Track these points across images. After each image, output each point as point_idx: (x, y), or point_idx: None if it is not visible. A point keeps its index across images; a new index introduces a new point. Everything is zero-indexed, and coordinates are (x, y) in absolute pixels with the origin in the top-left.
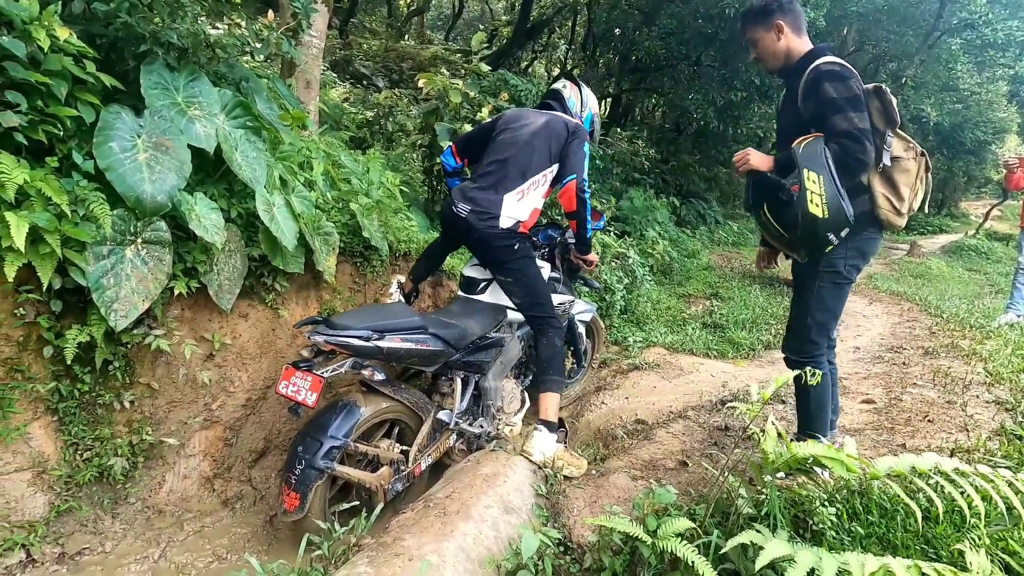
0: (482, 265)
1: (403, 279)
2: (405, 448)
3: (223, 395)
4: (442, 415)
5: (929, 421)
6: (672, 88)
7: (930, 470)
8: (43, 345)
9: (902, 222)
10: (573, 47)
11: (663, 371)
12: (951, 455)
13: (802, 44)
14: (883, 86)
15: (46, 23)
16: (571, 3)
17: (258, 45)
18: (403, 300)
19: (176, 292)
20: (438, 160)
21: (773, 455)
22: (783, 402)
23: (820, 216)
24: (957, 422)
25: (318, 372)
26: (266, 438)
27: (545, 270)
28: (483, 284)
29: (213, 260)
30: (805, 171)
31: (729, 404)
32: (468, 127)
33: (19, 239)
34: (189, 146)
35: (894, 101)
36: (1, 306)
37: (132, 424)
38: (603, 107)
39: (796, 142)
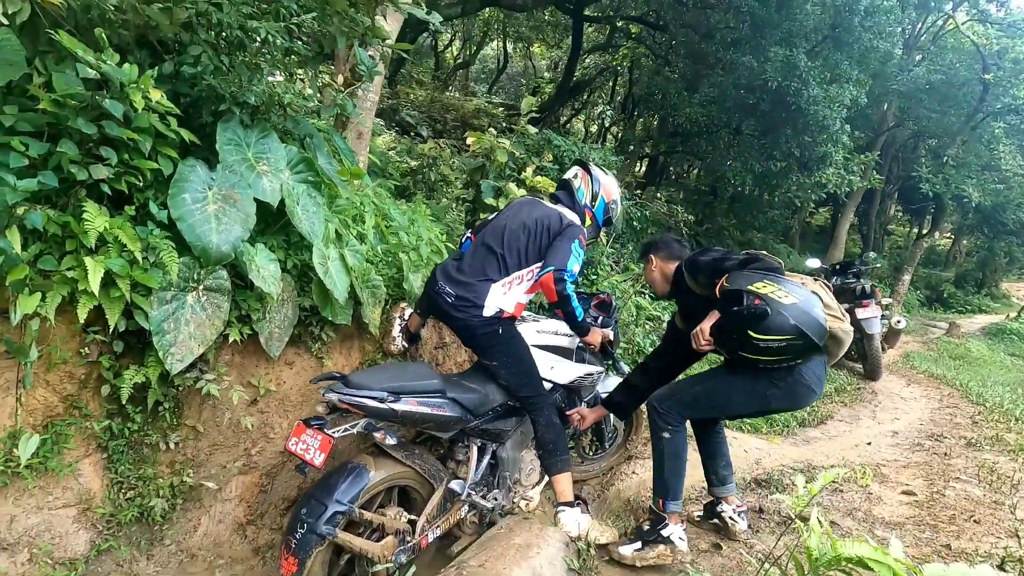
0: (466, 347)
1: (409, 313)
2: (413, 518)
3: (263, 441)
4: (454, 485)
5: (975, 522)
6: (710, 153)
7: None
8: (101, 384)
9: (847, 326)
10: (612, 107)
11: (692, 441)
12: (1001, 565)
13: (672, 266)
14: (750, 252)
15: (143, 86)
16: (613, 65)
17: (319, 102)
18: (406, 343)
19: (231, 339)
20: (480, 216)
21: (817, 552)
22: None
23: (797, 300)
24: (1006, 526)
25: (329, 432)
26: (300, 486)
27: (574, 339)
28: None
29: (266, 309)
30: (749, 287)
31: (774, 497)
32: (512, 185)
33: (95, 283)
34: (255, 199)
35: (765, 254)
36: (68, 345)
37: (175, 465)
38: (640, 167)
39: (718, 287)
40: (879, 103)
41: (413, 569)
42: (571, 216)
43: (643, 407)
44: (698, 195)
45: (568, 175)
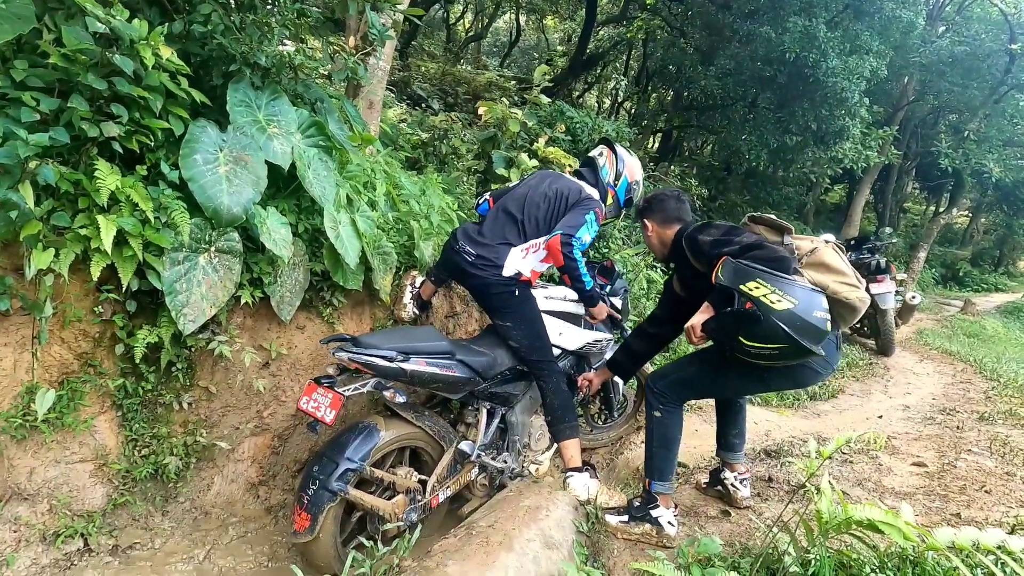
0: (480, 307)
1: (420, 281)
2: (423, 478)
3: (275, 403)
4: (464, 446)
5: (986, 492)
6: (725, 127)
7: (996, 547)
8: (115, 343)
9: (863, 294)
10: (626, 81)
11: (705, 414)
12: (1011, 532)
13: (671, 231)
14: (755, 214)
15: (153, 43)
16: (627, 38)
17: (332, 67)
18: (417, 310)
19: (243, 301)
20: (492, 187)
21: (828, 515)
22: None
23: (791, 306)
24: (1017, 496)
25: (339, 390)
26: (311, 449)
27: (582, 305)
28: None
29: (278, 272)
30: (741, 287)
31: (786, 460)
32: (524, 156)
33: (107, 241)
34: (266, 162)
35: (774, 217)
36: (82, 303)
37: (188, 425)
38: (652, 142)
39: (713, 276)
40: (899, 76)
41: (420, 528)
42: (591, 191)
43: None
44: (711, 170)
45: (593, 153)
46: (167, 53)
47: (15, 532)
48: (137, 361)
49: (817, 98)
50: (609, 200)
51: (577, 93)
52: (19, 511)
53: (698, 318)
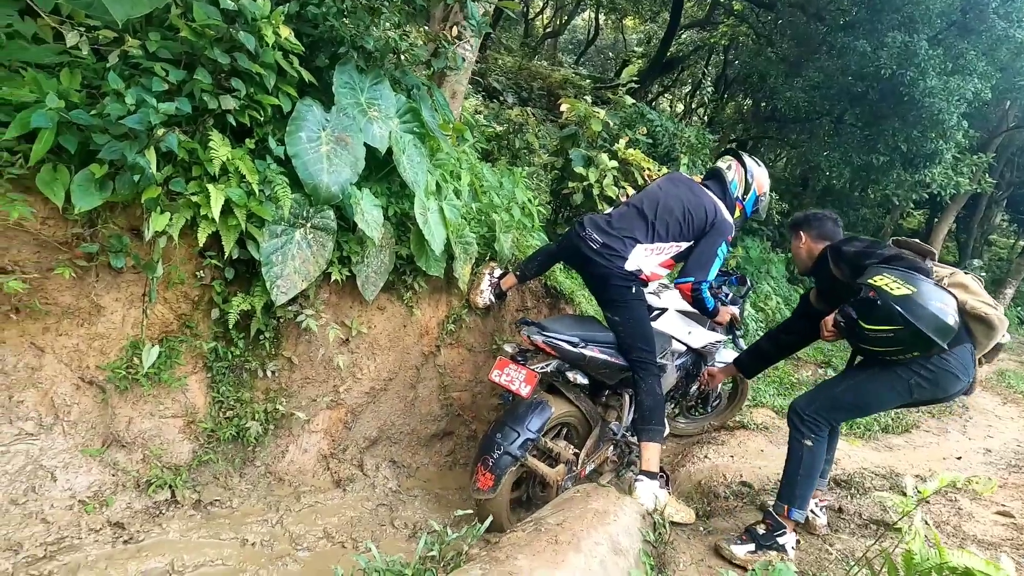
0: (594, 298)
1: (499, 274)
2: (577, 451)
3: (351, 380)
4: (612, 425)
5: None
6: (806, 142)
7: None
8: (211, 308)
9: (1001, 313)
10: (702, 88)
11: (772, 435)
12: None
13: (820, 247)
14: (900, 238)
15: (274, 21)
16: (710, 43)
17: (432, 53)
18: (492, 297)
19: (333, 278)
20: (568, 184)
21: (919, 557)
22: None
23: (909, 293)
24: None
25: (533, 367)
26: (380, 428)
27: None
28: (657, 313)
29: (366, 253)
30: (868, 281)
31: (856, 490)
32: (604, 156)
33: (216, 209)
34: (365, 144)
35: (919, 241)
36: (186, 267)
37: (269, 393)
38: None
39: (858, 280)
40: (1001, 100)
41: (488, 521)
42: (723, 210)
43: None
44: (786, 185)
45: (721, 165)
46: (285, 32)
47: (113, 476)
48: (230, 327)
49: (910, 118)
50: (736, 214)
51: (651, 96)
52: (117, 457)
53: (831, 315)
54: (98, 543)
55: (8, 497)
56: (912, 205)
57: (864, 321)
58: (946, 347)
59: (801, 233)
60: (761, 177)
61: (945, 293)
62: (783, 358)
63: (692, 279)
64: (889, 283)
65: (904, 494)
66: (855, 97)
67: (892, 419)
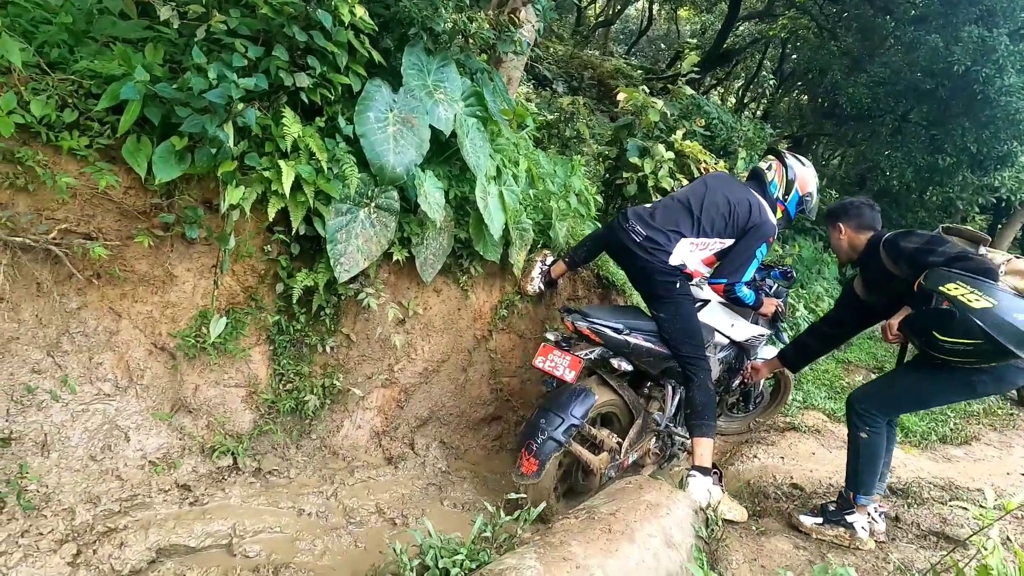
0: (638, 292)
1: (550, 262)
2: (620, 440)
3: (405, 360)
4: (656, 415)
5: None
6: (867, 140)
7: None
8: (276, 282)
9: None
10: (757, 81)
11: (823, 439)
12: None
13: (863, 237)
14: (950, 225)
15: (350, 1)
16: (769, 36)
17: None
18: (543, 285)
19: (394, 258)
20: (622, 175)
21: (997, 572)
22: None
23: (990, 306)
24: None
25: (577, 353)
26: (431, 408)
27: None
28: (700, 304)
29: (426, 234)
30: (940, 288)
31: (951, 501)
32: (660, 147)
33: (286, 184)
34: (430, 127)
35: (971, 228)
36: (255, 241)
37: (327, 368)
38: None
39: (916, 283)
40: None
41: (542, 506)
42: (767, 210)
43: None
44: (841, 184)
45: (762, 165)
46: (360, 12)
47: (180, 440)
48: (293, 301)
49: (983, 117)
50: (778, 214)
51: (703, 89)
52: (184, 422)
53: (896, 318)
54: (167, 502)
55: (88, 453)
56: (977, 209)
57: (939, 332)
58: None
59: (840, 224)
60: (805, 176)
61: (1021, 301)
62: (828, 351)
63: (725, 280)
64: (966, 294)
65: (980, 507)
66: (923, 94)
67: (951, 429)
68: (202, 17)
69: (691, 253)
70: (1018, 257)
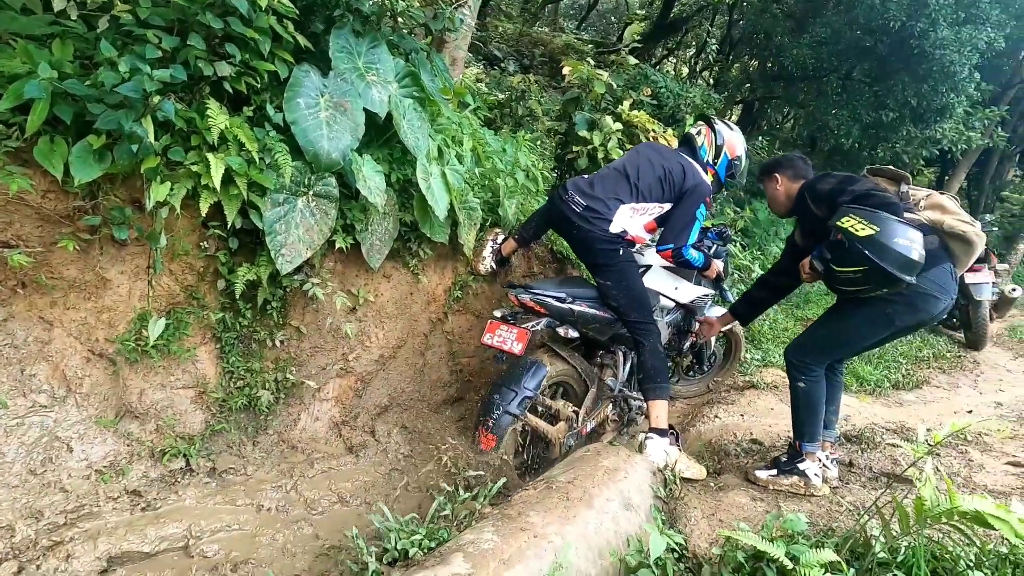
0: (582, 263)
1: (501, 240)
2: (576, 409)
3: (359, 348)
4: (609, 381)
5: None
6: (814, 101)
7: None
8: (217, 278)
9: (979, 228)
10: (707, 49)
11: (781, 395)
12: None
13: (796, 186)
14: (873, 166)
15: None
16: (714, 3)
17: (428, 17)
18: (495, 264)
19: (337, 246)
20: (572, 149)
21: (930, 503)
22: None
23: (873, 233)
24: None
25: (523, 326)
26: (390, 395)
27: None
28: (642, 269)
29: (369, 220)
30: (836, 223)
31: (890, 442)
32: (608, 118)
33: (216, 178)
34: (364, 110)
35: (892, 167)
36: (190, 238)
37: (279, 362)
38: (731, 114)
39: (829, 222)
40: (1016, 50)
41: (502, 481)
42: (700, 172)
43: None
44: (794, 145)
45: (692, 131)
46: None
47: (128, 446)
48: (236, 297)
49: (920, 71)
50: (709, 178)
51: (655, 60)
52: (131, 428)
53: (806, 260)
54: (116, 510)
55: (27, 467)
56: (922, 163)
57: (835, 264)
58: (914, 280)
59: (777, 176)
60: (733, 140)
61: (910, 229)
62: (777, 301)
63: (671, 246)
64: (855, 224)
65: (912, 443)
66: (863, 52)
67: (903, 375)
68: (104, 7)
69: (631, 219)
70: (941, 193)
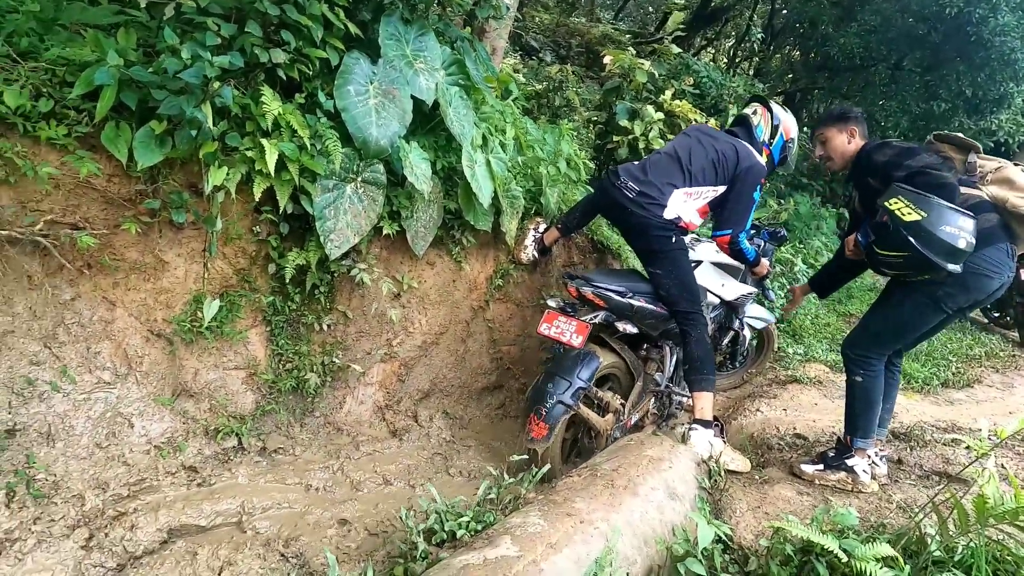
0: (633, 250)
1: (542, 230)
2: (623, 401)
3: (403, 334)
4: (656, 376)
5: None
6: (861, 91)
7: None
8: (268, 263)
9: None
10: (748, 39)
11: (825, 389)
12: None
13: (855, 148)
14: (942, 132)
15: None
16: None
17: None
18: (536, 253)
19: (384, 232)
20: (613, 139)
21: (993, 501)
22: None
23: (919, 218)
24: None
25: (583, 319)
26: (432, 381)
27: None
28: (693, 265)
29: (415, 207)
30: (884, 203)
31: (949, 436)
32: (649, 108)
33: (270, 163)
34: (412, 97)
35: (961, 135)
36: (243, 222)
37: (325, 346)
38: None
39: (878, 200)
40: None
41: (547, 467)
42: (753, 154)
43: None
44: None
45: (747, 111)
46: None
47: (184, 424)
48: (286, 281)
49: (977, 60)
50: (763, 159)
51: (695, 50)
52: (187, 406)
53: (853, 235)
54: (174, 485)
55: (93, 440)
56: None
57: (878, 245)
58: (958, 269)
59: (854, 128)
60: (788, 122)
61: (960, 216)
62: (853, 276)
63: (730, 231)
64: (902, 207)
65: (975, 440)
66: (915, 40)
67: (953, 373)
68: None
69: (685, 204)
70: (1016, 164)
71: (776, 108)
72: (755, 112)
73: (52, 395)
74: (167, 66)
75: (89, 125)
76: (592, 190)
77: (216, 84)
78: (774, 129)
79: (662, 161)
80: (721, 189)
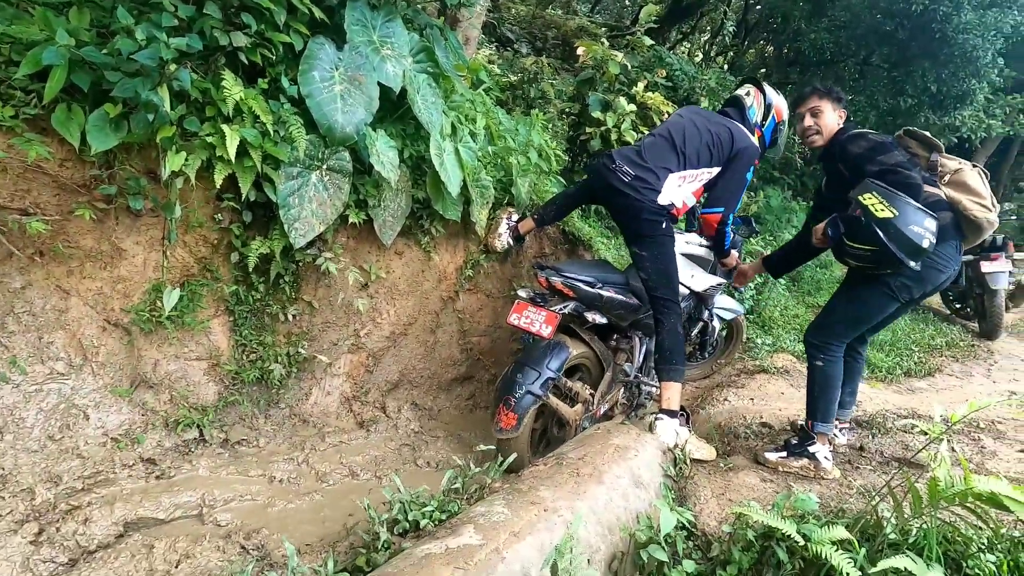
0: (621, 233)
1: (516, 219)
2: (592, 391)
3: (371, 324)
4: (625, 366)
5: None
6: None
7: None
8: (231, 251)
9: (993, 216)
10: (721, 35)
11: (792, 379)
12: None
13: (836, 128)
14: (911, 128)
15: None
16: None
17: None
18: (511, 241)
19: (350, 221)
20: (585, 130)
21: (944, 484)
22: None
23: (891, 216)
24: None
25: (553, 309)
26: (401, 372)
27: (711, 251)
28: None
29: (382, 196)
30: (858, 197)
31: (906, 421)
32: (622, 99)
33: (231, 149)
34: (378, 84)
35: (927, 134)
36: (204, 210)
37: (291, 336)
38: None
39: (851, 193)
40: None
41: (513, 456)
42: (747, 135)
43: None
44: None
45: (740, 92)
46: None
47: (143, 416)
48: (249, 270)
49: (941, 57)
50: (756, 141)
51: (670, 44)
52: (146, 397)
53: (823, 224)
54: (132, 477)
55: (45, 433)
56: None
57: (848, 238)
58: (918, 267)
59: (843, 112)
60: (780, 104)
61: (927, 216)
62: (811, 258)
63: (722, 209)
64: (875, 203)
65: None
66: (883, 36)
67: (915, 363)
68: None
69: (679, 188)
70: (973, 167)
71: (769, 90)
72: (748, 93)
73: (1, 386)
74: (121, 47)
75: (38, 107)
76: (563, 180)
77: (172, 67)
78: (766, 110)
79: (657, 144)
80: (716, 171)
